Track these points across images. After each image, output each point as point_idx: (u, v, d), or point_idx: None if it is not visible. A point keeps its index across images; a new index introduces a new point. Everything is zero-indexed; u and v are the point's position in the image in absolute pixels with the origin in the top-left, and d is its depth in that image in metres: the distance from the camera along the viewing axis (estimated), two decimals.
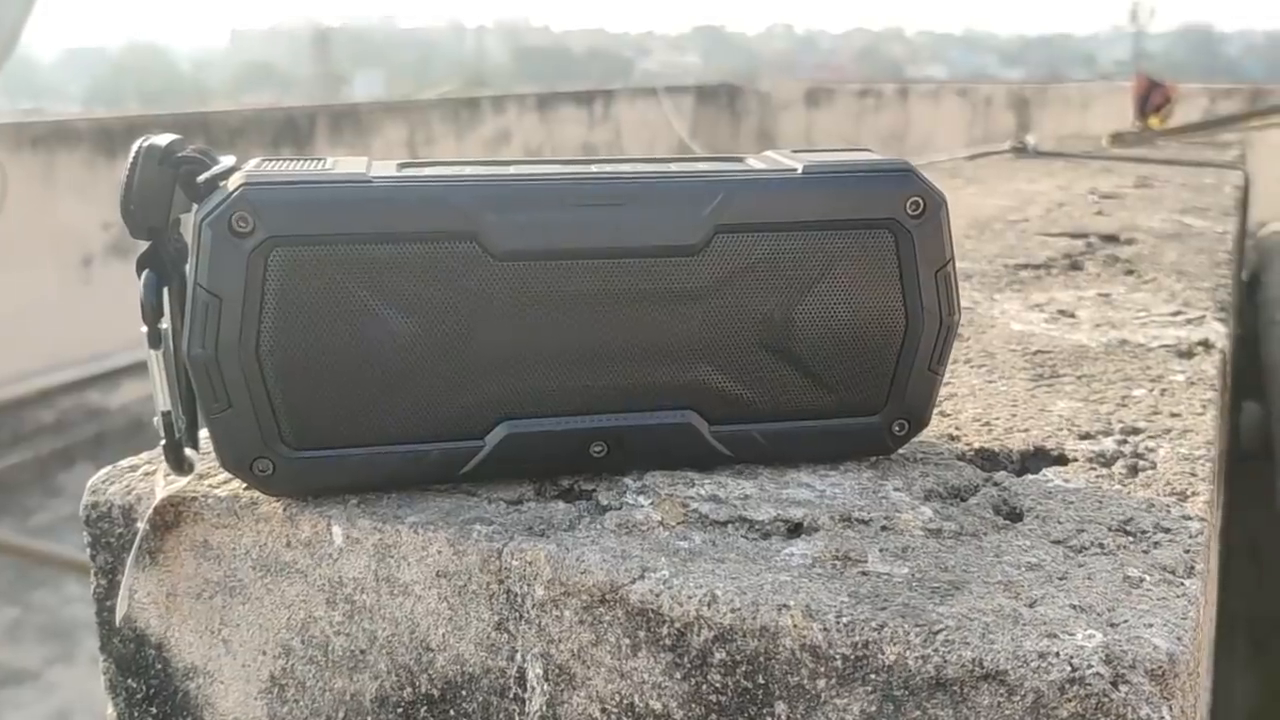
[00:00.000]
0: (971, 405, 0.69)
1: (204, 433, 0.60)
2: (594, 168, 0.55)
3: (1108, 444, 0.62)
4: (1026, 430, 0.64)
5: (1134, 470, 0.59)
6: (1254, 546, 1.74)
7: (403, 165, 0.54)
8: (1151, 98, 2.43)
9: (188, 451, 0.55)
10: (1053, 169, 1.93)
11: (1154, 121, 2.43)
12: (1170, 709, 0.42)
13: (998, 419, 0.66)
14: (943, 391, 0.71)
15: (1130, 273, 1.07)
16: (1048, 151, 2.13)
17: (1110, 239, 1.25)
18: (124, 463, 0.60)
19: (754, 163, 0.57)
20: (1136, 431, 0.64)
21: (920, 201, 0.54)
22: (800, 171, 0.54)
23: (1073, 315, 0.90)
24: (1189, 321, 0.88)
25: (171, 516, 0.56)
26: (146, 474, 0.59)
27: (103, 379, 5.23)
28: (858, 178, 0.54)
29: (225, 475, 0.57)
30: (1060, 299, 0.96)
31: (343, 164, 0.53)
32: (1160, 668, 0.42)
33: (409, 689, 0.53)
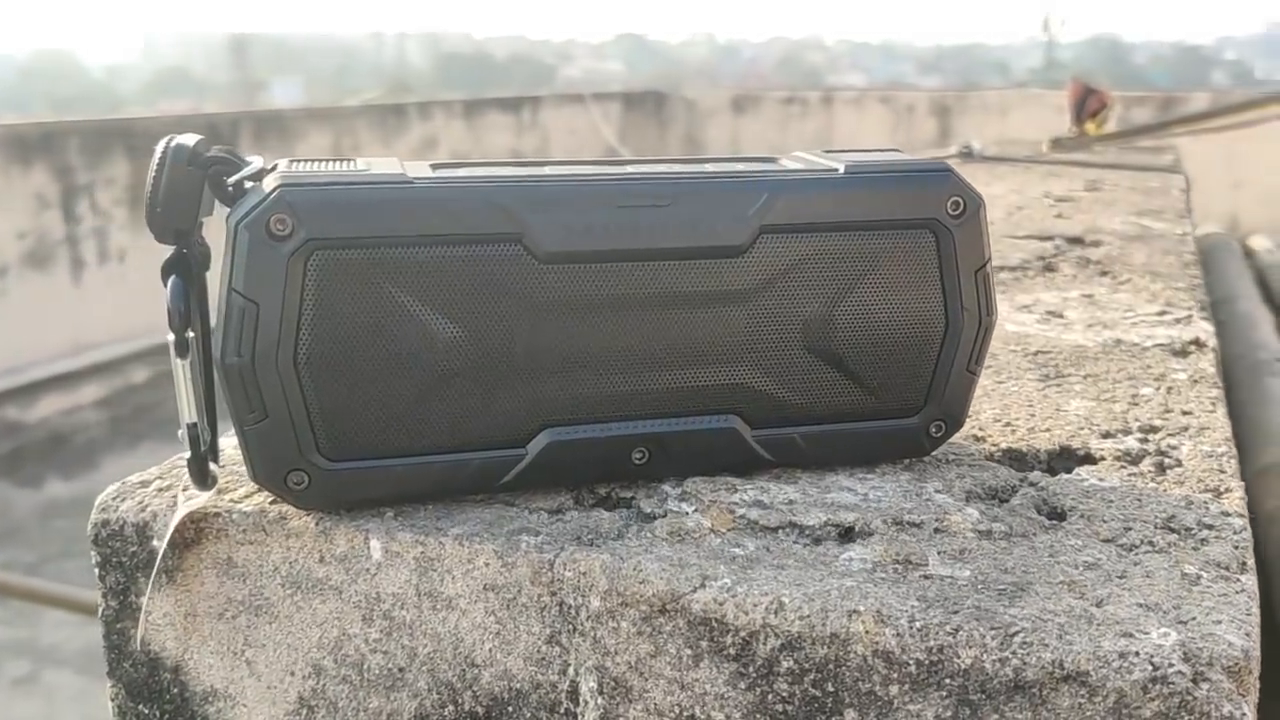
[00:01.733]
0: (989, 406, 0.69)
1: (225, 445, 0.58)
2: (630, 168, 0.53)
3: (1130, 442, 0.63)
4: (1049, 430, 0.64)
5: (1161, 468, 0.59)
6: None
7: (437, 166, 0.52)
8: (1088, 104, 2.48)
9: (211, 465, 0.53)
10: (1000, 173, 1.96)
11: (1090, 127, 2.48)
12: (1248, 705, 0.42)
13: (1018, 419, 0.66)
14: None
15: (1105, 274, 1.08)
16: (992, 156, 2.16)
17: (1076, 241, 1.27)
18: (134, 478, 0.58)
19: (789, 163, 0.56)
20: (1155, 430, 0.65)
21: (960, 201, 0.54)
22: (843, 171, 0.53)
23: (1062, 316, 0.91)
24: (1177, 321, 0.89)
25: (192, 533, 0.53)
26: (160, 489, 0.56)
27: (19, 393, 5.07)
28: (899, 178, 0.54)
29: (247, 489, 0.55)
30: (1045, 300, 0.97)
31: (377, 164, 0.51)
32: (1236, 664, 0.42)
33: (451, 707, 0.51)
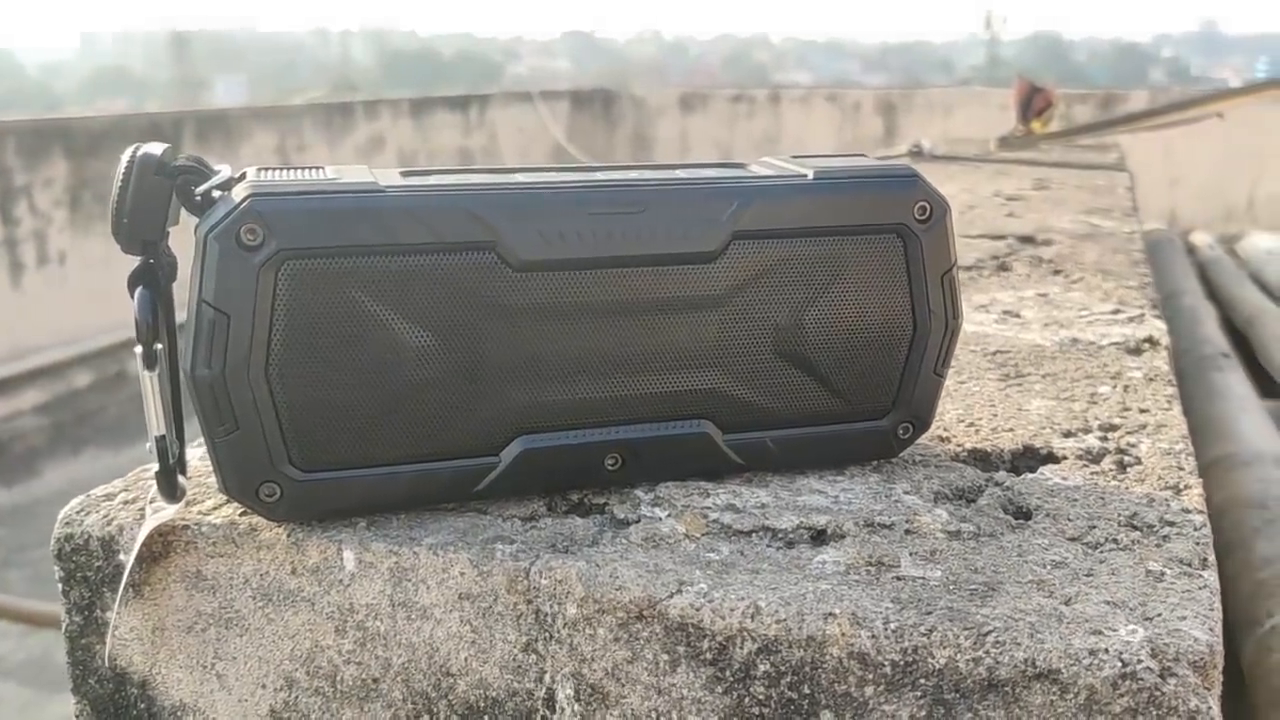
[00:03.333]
0: (952, 406, 0.70)
1: (192, 457, 0.57)
2: (601, 175, 0.53)
3: (1091, 441, 0.64)
4: (1011, 430, 0.65)
5: (1122, 466, 0.60)
6: None
7: (406, 173, 0.52)
8: (1034, 102, 2.51)
9: (179, 478, 0.52)
10: (951, 172, 1.98)
11: (1036, 125, 2.51)
12: (1213, 698, 0.43)
13: (981, 419, 0.67)
14: None
15: (1058, 272, 1.10)
16: (943, 155, 2.19)
17: (1028, 240, 1.29)
18: (98, 491, 0.57)
19: (759, 169, 0.56)
20: (1114, 428, 0.66)
21: (927, 206, 0.55)
22: (811, 177, 0.54)
23: (1019, 315, 0.92)
24: (1130, 319, 0.91)
25: (159, 547, 0.53)
26: (125, 502, 0.55)
27: None
28: (867, 183, 0.54)
29: (215, 501, 0.54)
30: (1002, 299, 0.98)
31: (348, 172, 0.51)
32: (1202, 659, 0.43)
33: (426, 717, 0.51)
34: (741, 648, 0.46)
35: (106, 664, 0.54)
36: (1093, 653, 0.43)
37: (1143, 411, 0.69)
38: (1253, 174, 7.14)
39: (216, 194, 0.48)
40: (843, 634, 0.45)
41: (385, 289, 0.48)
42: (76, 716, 0.56)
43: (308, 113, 7.69)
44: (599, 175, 0.53)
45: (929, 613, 0.45)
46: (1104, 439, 0.64)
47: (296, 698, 0.53)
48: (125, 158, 0.47)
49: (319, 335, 0.48)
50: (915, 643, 0.44)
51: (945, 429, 0.66)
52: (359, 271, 0.48)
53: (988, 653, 0.43)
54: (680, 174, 0.54)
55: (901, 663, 0.44)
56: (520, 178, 0.52)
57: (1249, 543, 1.04)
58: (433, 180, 0.51)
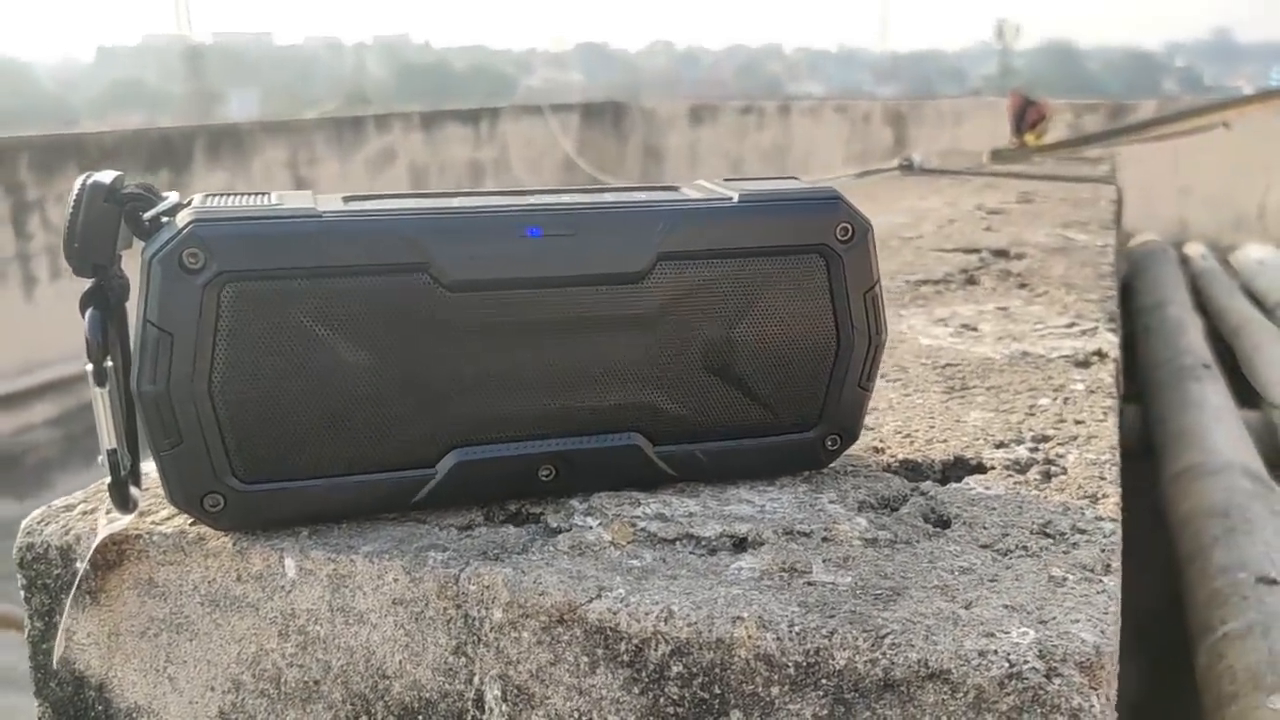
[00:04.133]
0: (892, 418, 0.72)
1: (146, 469, 0.60)
2: (534, 199, 0.56)
3: (1021, 452, 0.66)
4: (945, 441, 0.68)
5: (1047, 476, 0.63)
6: (1133, 540, 1.83)
7: (348, 199, 0.55)
8: (1027, 115, 2.53)
9: (132, 489, 0.55)
10: (939, 185, 2.00)
11: (1030, 138, 2.54)
12: (1098, 698, 0.45)
13: (918, 430, 0.69)
14: None
15: (1024, 286, 1.12)
16: (933, 169, 2.21)
17: (1001, 254, 1.31)
18: (58, 502, 0.60)
19: (690, 192, 0.59)
20: (1046, 439, 0.68)
21: (849, 227, 0.57)
22: (736, 200, 0.56)
23: (975, 329, 0.95)
24: (1083, 333, 0.93)
25: (114, 555, 0.55)
26: (84, 513, 0.58)
27: None
28: (790, 205, 0.57)
29: (168, 511, 0.57)
30: (962, 313, 1.00)
31: (289, 198, 0.53)
32: (1088, 660, 0.45)
33: (365, 717, 0.53)
34: (656, 650, 0.48)
35: (54, 666, 0.56)
36: (982, 654, 0.45)
37: (1078, 423, 0.71)
38: (1264, 183, 7.13)
39: (164, 220, 0.51)
40: (749, 636, 0.47)
41: (322, 309, 0.51)
42: (39, 719, 0.59)
43: (319, 127, 7.74)
44: (533, 200, 0.56)
45: (832, 616, 0.47)
46: (1034, 450, 0.66)
47: (243, 700, 0.55)
48: (77, 185, 0.50)
49: (259, 353, 0.50)
50: (817, 645, 0.46)
51: (881, 440, 0.68)
52: (296, 292, 0.50)
53: (884, 654, 0.46)
54: (610, 197, 0.57)
55: (804, 664, 0.46)
56: (458, 202, 0.55)
57: (1208, 552, 1.06)
58: (372, 205, 0.54)
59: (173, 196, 0.52)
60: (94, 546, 0.54)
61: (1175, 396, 1.41)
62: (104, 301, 0.51)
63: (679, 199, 0.57)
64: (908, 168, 2.18)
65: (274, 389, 0.51)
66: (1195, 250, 2.70)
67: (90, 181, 0.50)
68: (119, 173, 0.52)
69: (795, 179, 0.61)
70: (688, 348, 0.56)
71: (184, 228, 0.49)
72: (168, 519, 0.56)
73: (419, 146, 8.13)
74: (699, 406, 0.57)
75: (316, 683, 0.54)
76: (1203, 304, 2.19)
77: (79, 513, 0.58)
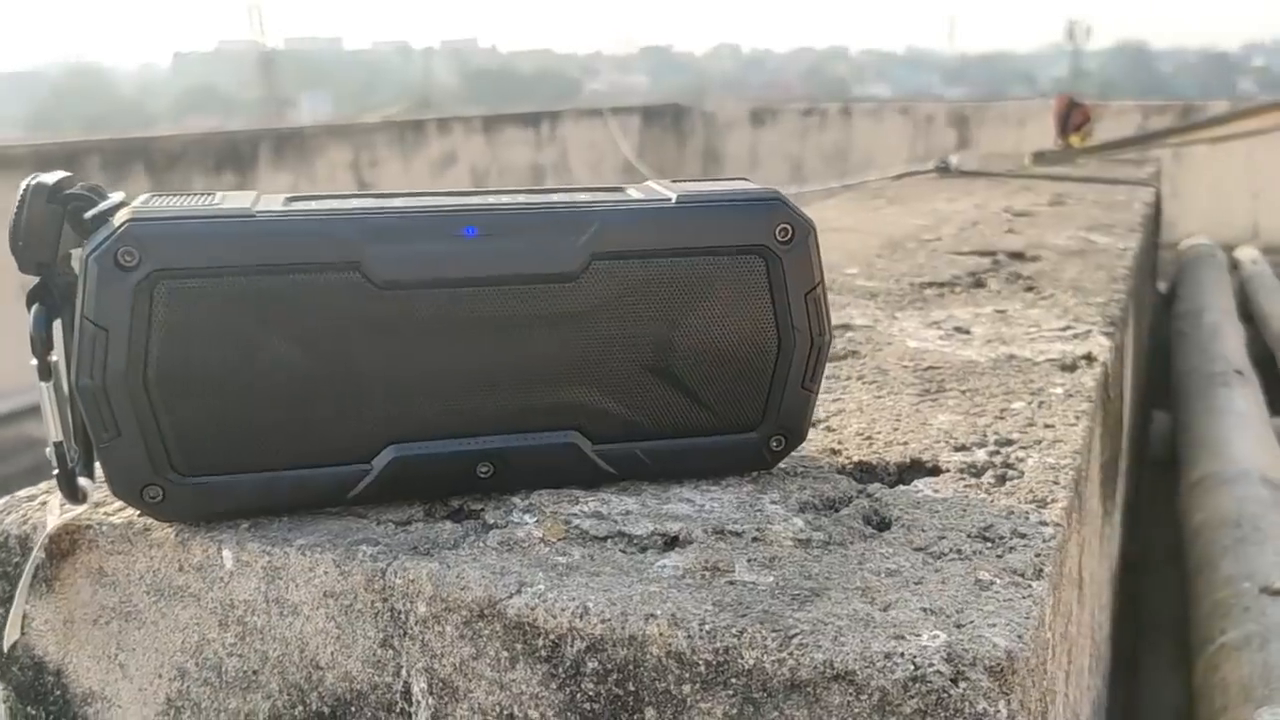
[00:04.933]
0: (857, 420, 0.71)
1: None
2: (475, 199, 0.57)
3: (980, 455, 0.65)
4: (905, 443, 0.67)
5: (1002, 480, 0.62)
6: (1173, 551, 1.79)
7: (290, 199, 0.56)
8: (1072, 117, 2.50)
9: (82, 481, 0.56)
10: (973, 188, 1.98)
11: (1074, 140, 2.50)
12: (1008, 703, 0.44)
13: (879, 433, 0.69)
14: (831, 407, 0.74)
15: (1030, 289, 1.11)
16: (970, 171, 2.18)
17: (1017, 256, 1.29)
18: (21, 493, 0.61)
19: (633, 193, 0.59)
20: (1010, 443, 0.67)
21: (789, 228, 0.57)
22: (674, 201, 0.56)
23: (967, 332, 0.94)
24: (1076, 336, 0.91)
25: (68, 544, 0.57)
26: (44, 503, 0.60)
27: (38, 410, 5.16)
28: (728, 207, 0.57)
29: (120, 503, 0.58)
30: (958, 316, 0.99)
31: (230, 199, 0.54)
32: (999, 664, 0.44)
33: (300, 707, 0.54)
34: (572, 646, 0.49)
35: (13, 651, 0.58)
36: (888, 656, 0.45)
37: (1047, 427, 0.70)
38: None
39: (106, 219, 0.52)
40: (661, 634, 0.47)
41: (255, 306, 0.52)
42: (3, 701, 0.61)
43: (382, 130, 7.83)
44: (472, 200, 0.56)
45: (744, 615, 0.47)
46: (994, 453, 0.65)
47: (188, 687, 0.56)
48: (21, 187, 0.52)
49: (193, 349, 0.51)
50: (727, 643, 0.46)
51: (840, 442, 0.68)
52: (230, 290, 0.51)
53: (791, 654, 0.45)
54: (556, 198, 0.57)
55: (714, 662, 0.47)
56: (396, 203, 0.55)
57: (1216, 562, 1.03)
58: (311, 205, 0.55)
59: (115, 196, 0.53)
60: (46, 535, 0.56)
61: (1201, 403, 1.38)
62: (49, 298, 0.53)
63: (617, 199, 0.57)
64: (944, 170, 2.16)
65: (209, 384, 0.52)
66: (1246, 255, 2.64)
67: (34, 182, 0.52)
68: (66, 173, 0.53)
69: (744, 180, 0.61)
70: (625, 347, 0.56)
71: (119, 227, 0.50)
72: (119, 510, 0.58)
73: (480, 149, 8.20)
74: (638, 406, 0.57)
75: (255, 672, 0.55)
76: (1248, 309, 2.14)
77: (39, 503, 0.60)
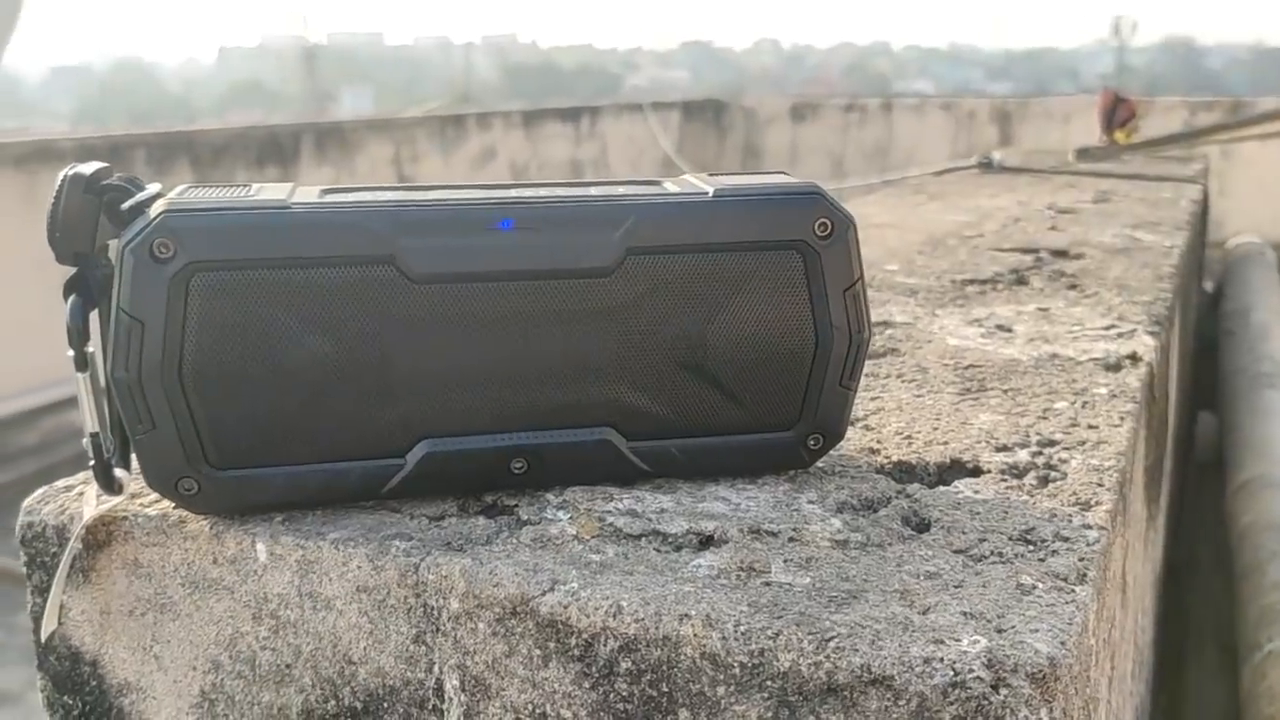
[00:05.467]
0: (896, 419, 0.70)
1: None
2: (512, 192, 0.56)
3: (1022, 456, 0.64)
4: (945, 443, 0.66)
5: (1044, 481, 0.61)
6: (1218, 554, 1.76)
7: (326, 191, 0.55)
8: (1117, 113, 2.46)
9: (118, 472, 0.56)
10: (1016, 184, 1.96)
11: (1120, 136, 2.46)
12: (1050, 711, 0.43)
13: (919, 432, 0.68)
14: (870, 405, 0.73)
15: (1073, 287, 1.09)
16: (1012, 167, 2.15)
17: (1060, 254, 1.27)
18: (59, 483, 0.62)
19: (670, 186, 0.58)
20: (1053, 443, 0.66)
21: (828, 223, 0.56)
22: (711, 195, 0.56)
23: (1009, 330, 0.92)
24: (1120, 335, 0.90)
25: (104, 535, 0.57)
26: (81, 494, 0.60)
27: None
28: (766, 201, 0.56)
29: (156, 495, 0.58)
30: (1000, 314, 0.98)
31: (266, 190, 0.54)
32: (1041, 671, 0.43)
33: (333, 702, 0.54)
34: (605, 645, 0.48)
35: (51, 641, 0.58)
36: (927, 661, 0.44)
37: (1090, 428, 0.69)
38: None
39: (142, 210, 0.52)
40: (695, 635, 0.46)
41: (290, 300, 0.52)
42: (41, 690, 0.61)
43: (422, 125, 7.87)
44: (509, 193, 0.56)
45: (780, 617, 0.46)
46: (1037, 454, 0.64)
47: (222, 680, 0.56)
48: (59, 177, 0.52)
49: (228, 342, 0.51)
50: (762, 645, 0.46)
51: (879, 441, 0.66)
52: (264, 283, 0.51)
53: (828, 657, 0.45)
54: (591, 192, 0.57)
55: (749, 664, 0.46)
56: (431, 195, 0.55)
57: (1264, 566, 1.01)
58: (347, 198, 0.54)
59: (152, 188, 0.53)
60: (82, 526, 0.56)
61: (1248, 404, 1.36)
62: (85, 289, 0.53)
63: (653, 193, 0.56)
64: (986, 166, 2.13)
65: (243, 377, 0.52)
66: None
67: (71, 173, 0.52)
68: (103, 164, 0.53)
69: (783, 173, 0.60)
70: (660, 343, 0.56)
71: (155, 218, 0.50)
72: (155, 502, 0.58)
73: (519, 144, 8.22)
74: (673, 403, 0.57)
75: (288, 666, 0.55)
76: None
77: (76, 493, 0.60)
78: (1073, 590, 0.49)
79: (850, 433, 0.67)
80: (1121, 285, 1.09)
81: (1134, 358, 0.83)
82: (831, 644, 0.45)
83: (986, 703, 0.43)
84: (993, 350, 0.86)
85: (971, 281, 1.12)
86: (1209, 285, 2.35)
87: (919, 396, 0.75)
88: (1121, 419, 0.70)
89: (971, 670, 0.43)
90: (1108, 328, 0.92)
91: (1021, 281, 1.12)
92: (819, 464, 0.62)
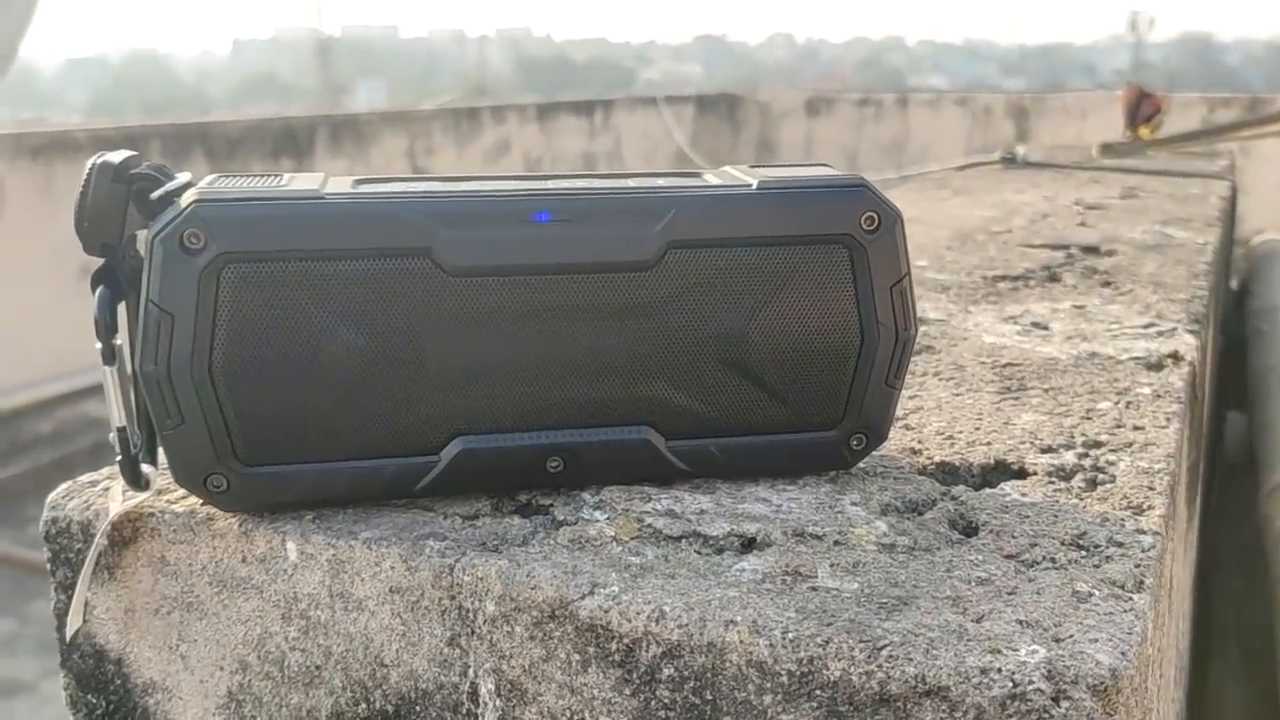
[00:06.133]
0: (936, 419, 0.69)
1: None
2: (549, 184, 0.55)
3: (1068, 457, 0.62)
4: (989, 444, 0.64)
5: (1093, 484, 0.59)
6: (1244, 556, 1.74)
7: (359, 181, 0.54)
8: (1142, 108, 2.43)
9: (145, 468, 0.55)
10: (1040, 180, 1.93)
11: (1144, 132, 2.43)
12: None
13: (961, 432, 0.66)
14: (909, 404, 0.71)
15: (1108, 285, 1.07)
16: (1037, 162, 2.13)
17: (1091, 250, 1.25)
18: (84, 478, 0.60)
19: (711, 178, 0.57)
20: (1098, 445, 0.64)
21: (875, 217, 0.54)
22: (755, 187, 0.54)
23: (1046, 328, 0.90)
24: (1160, 334, 0.88)
25: (129, 532, 0.56)
26: (106, 489, 0.59)
27: (101, 390, 5.23)
28: (812, 194, 0.54)
29: (183, 491, 0.57)
30: (1035, 311, 0.96)
31: (297, 180, 0.53)
32: (1103, 683, 0.42)
33: (364, 705, 0.53)
34: (647, 651, 0.47)
35: (76, 639, 0.57)
36: (984, 671, 0.42)
37: (1136, 429, 0.67)
38: None
39: (172, 200, 0.51)
40: (741, 642, 0.45)
41: (322, 292, 0.50)
42: (64, 689, 0.60)
43: (437, 117, 7.85)
44: (545, 184, 0.54)
45: (829, 624, 0.45)
46: (1083, 456, 0.62)
47: (250, 681, 0.55)
48: (87, 166, 0.51)
49: (259, 335, 0.50)
50: (811, 654, 0.44)
51: (920, 441, 0.65)
52: (297, 275, 0.50)
53: (880, 667, 0.43)
54: (630, 184, 0.55)
55: (798, 673, 0.44)
56: (465, 186, 0.54)
57: None
58: (379, 189, 0.53)
59: (182, 177, 0.52)
60: (108, 522, 0.55)
61: (1278, 406, 1.33)
62: (113, 280, 0.52)
63: (694, 185, 0.55)
64: (1010, 161, 2.11)
65: (274, 371, 0.50)
66: None
67: (99, 162, 0.51)
68: (131, 153, 0.52)
69: (826, 165, 0.58)
70: (701, 340, 0.54)
71: (186, 208, 0.49)
72: (181, 499, 0.56)
73: (534, 137, 8.20)
74: (713, 401, 0.55)
75: (318, 668, 0.53)
76: None
77: (101, 489, 0.59)
78: (1130, 598, 0.47)
79: (890, 432, 0.65)
80: (1157, 283, 1.07)
81: (1176, 357, 0.81)
82: (884, 653, 0.43)
83: (1047, 715, 0.41)
84: (1030, 348, 0.84)
85: (1003, 278, 1.10)
86: (1233, 283, 2.33)
87: (958, 395, 0.73)
88: (1167, 420, 0.68)
89: (1031, 682, 0.42)
90: (1146, 326, 0.90)
91: (1054, 278, 1.10)
92: (862, 464, 0.60)
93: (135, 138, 5.84)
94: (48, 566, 0.59)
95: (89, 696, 0.59)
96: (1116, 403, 0.71)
